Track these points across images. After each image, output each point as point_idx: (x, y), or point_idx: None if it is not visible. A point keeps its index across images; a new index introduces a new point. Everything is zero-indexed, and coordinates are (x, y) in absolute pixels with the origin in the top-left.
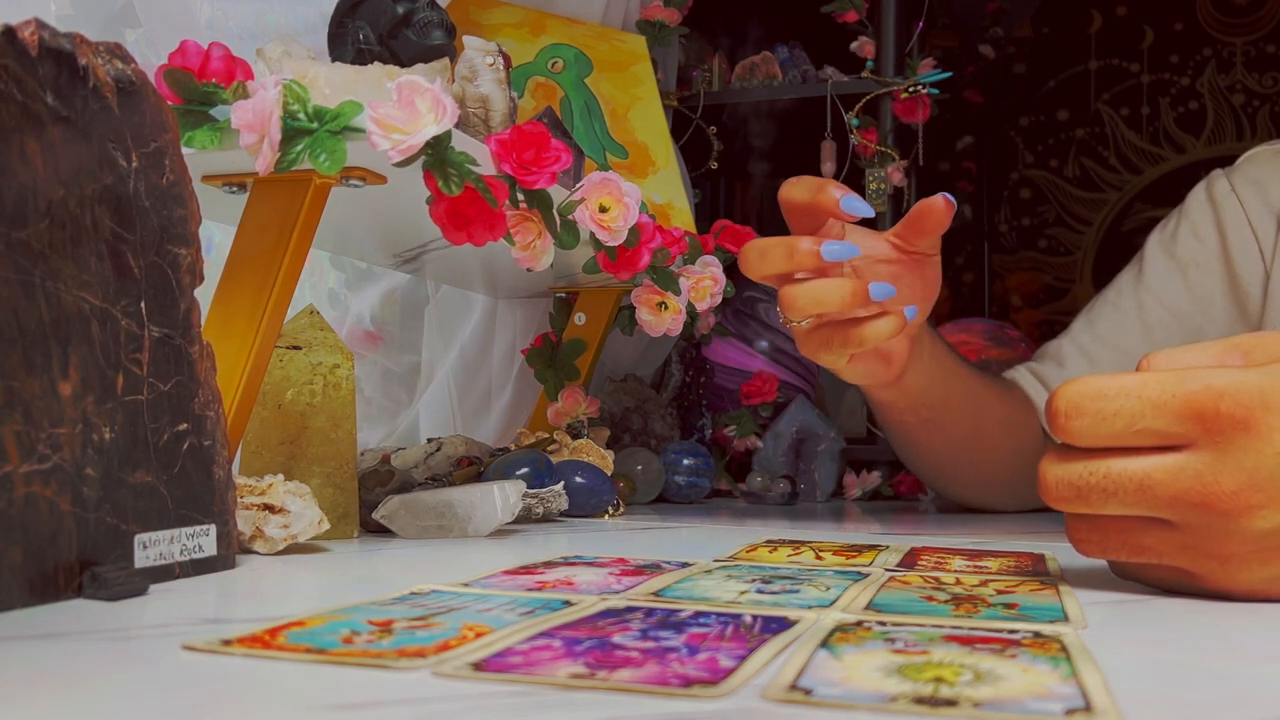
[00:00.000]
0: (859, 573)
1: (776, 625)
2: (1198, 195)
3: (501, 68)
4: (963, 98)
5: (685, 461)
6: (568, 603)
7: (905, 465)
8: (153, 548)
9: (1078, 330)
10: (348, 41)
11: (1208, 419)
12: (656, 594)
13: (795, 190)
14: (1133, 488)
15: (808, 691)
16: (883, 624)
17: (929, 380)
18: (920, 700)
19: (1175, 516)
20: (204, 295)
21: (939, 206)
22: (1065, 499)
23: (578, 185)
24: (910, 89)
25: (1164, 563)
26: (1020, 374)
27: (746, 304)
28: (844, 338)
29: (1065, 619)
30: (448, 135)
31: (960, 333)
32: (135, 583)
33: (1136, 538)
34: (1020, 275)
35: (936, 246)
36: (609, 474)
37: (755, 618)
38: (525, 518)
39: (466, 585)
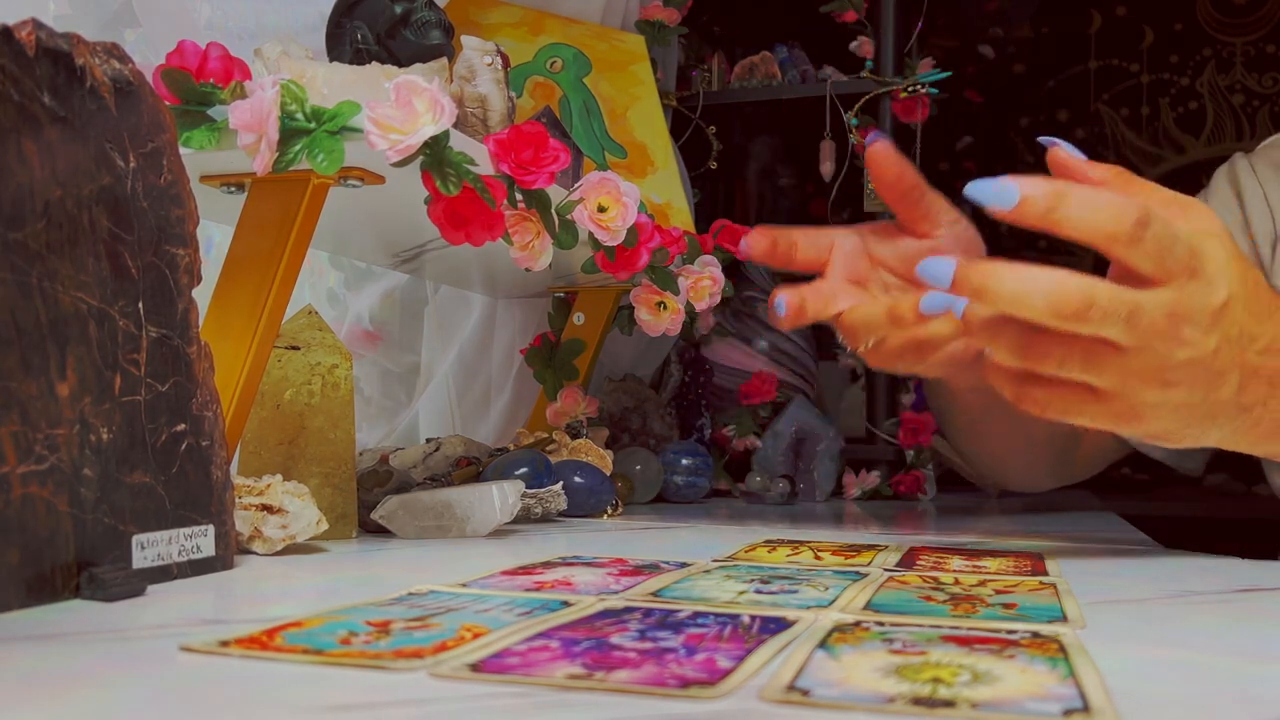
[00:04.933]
0: (857, 573)
1: (775, 625)
2: (1220, 175)
3: (500, 67)
4: (963, 98)
5: (684, 461)
6: (566, 603)
7: (970, 461)
8: (150, 548)
9: None
10: (345, 41)
11: (1183, 265)
12: (655, 594)
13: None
14: (1133, 313)
15: (805, 692)
16: (881, 624)
17: None
18: (918, 701)
19: (1132, 339)
20: (202, 295)
21: (876, 149)
22: (1089, 317)
23: (576, 185)
24: (909, 89)
25: (1096, 380)
26: None
27: (746, 304)
28: (908, 351)
29: (1063, 619)
30: (446, 135)
31: None
32: (133, 584)
33: (1095, 351)
34: None
35: (952, 214)
36: (608, 474)
37: (753, 618)
38: (524, 518)
39: (465, 586)
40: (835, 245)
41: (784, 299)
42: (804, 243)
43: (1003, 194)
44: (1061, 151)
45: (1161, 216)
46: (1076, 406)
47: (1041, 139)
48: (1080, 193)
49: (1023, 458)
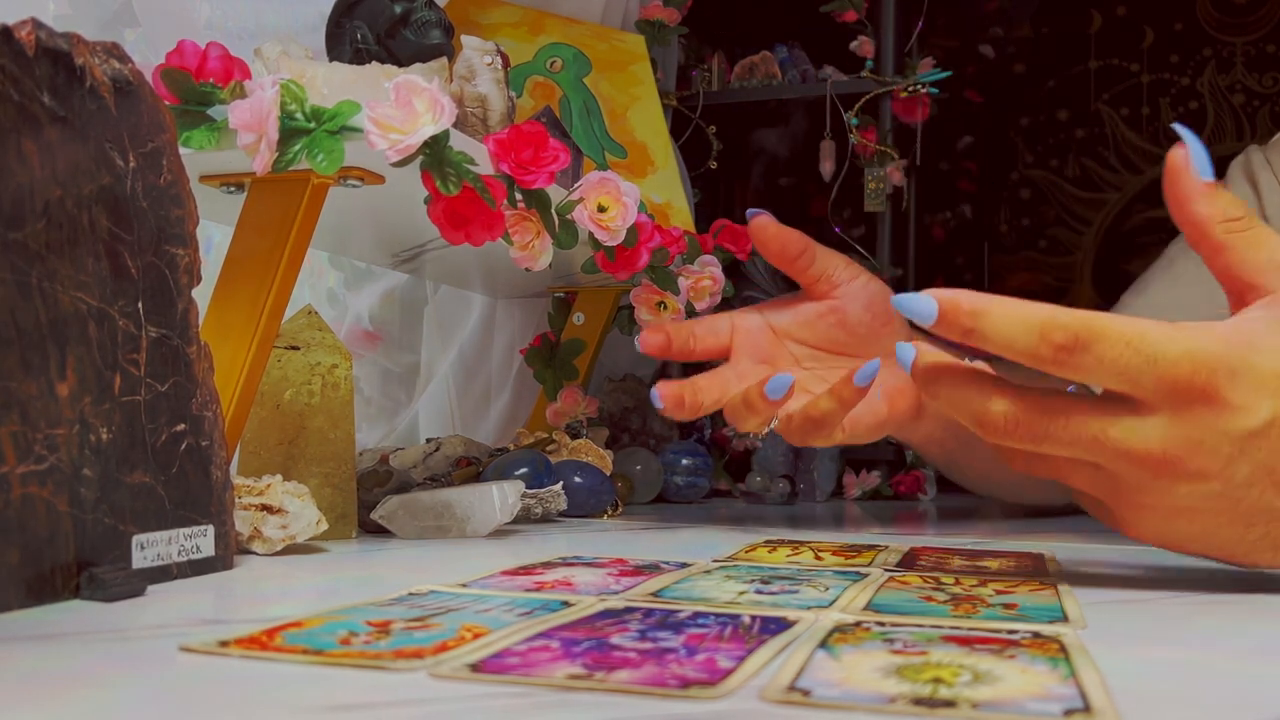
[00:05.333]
0: (858, 573)
1: (775, 626)
2: (1235, 168)
3: (500, 67)
4: (962, 97)
5: (684, 461)
6: (566, 603)
7: (970, 490)
8: (150, 548)
9: (1127, 302)
10: (345, 41)
11: (1178, 388)
12: (655, 594)
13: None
14: (1086, 440)
15: (806, 692)
16: (881, 624)
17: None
18: (919, 701)
19: (1113, 468)
20: (202, 295)
21: (755, 226)
22: (1017, 437)
23: (576, 185)
24: (910, 88)
25: (1083, 492)
26: None
27: (746, 304)
28: (810, 428)
29: (1064, 619)
30: (445, 135)
31: None
32: (133, 584)
33: (1067, 472)
34: (1020, 275)
35: (851, 271)
36: (608, 474)
37: (754, 618)
38: (524, 518)
39: (465, 586)
40: (735, 328)
41: (659, 392)
42: (701, 331)
43: (923, 308)
44: (1186, 153)
45: (1121, 336)
46: (1077, 497)
47: (1176, 126)
48: (1002, 307)
49: (1010, 490)
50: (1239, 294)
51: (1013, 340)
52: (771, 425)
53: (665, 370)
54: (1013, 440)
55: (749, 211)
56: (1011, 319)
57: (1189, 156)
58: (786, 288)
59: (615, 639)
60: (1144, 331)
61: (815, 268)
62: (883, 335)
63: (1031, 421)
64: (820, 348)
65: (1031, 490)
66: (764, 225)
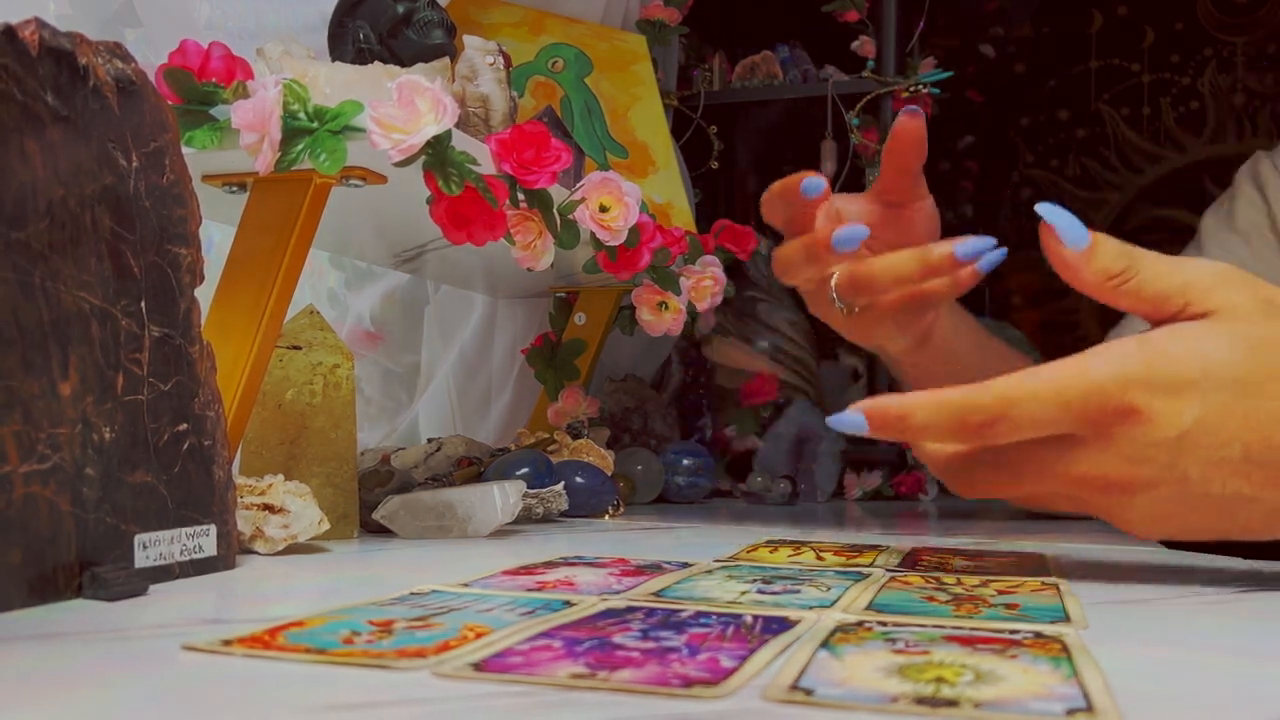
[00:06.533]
0: (860, 573)
1: (777, 626)
2: (1243, 174)
3: (502, 67)
4: (964, 97)
5: (685, 461)
6: (568, 603)
7: None
8: (152, 548)
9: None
10: (348, 41)
11: (1097, 418)
12: (657, 594)
13: (770, 208)
14: (1047, 477)
15: (809, 692)
16: (883, 624)
17: (958, 333)
18: (921, 701)
19: (1079, 495)
20: (204, 295)
21: (908, 125)
22: (984, 486)
23: (578, 185)
24: (911, 88)
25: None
26: None
27: (747, 304)
28: (909, 303)
29: (1066, 619)
30: (448, 135)
31: None
32: (135, 583)
33: (1055, 503)
34: (1021, 275)
35: (924, 188)
36: (609, 474)
37: (756, 618)
38: (525, 518)
39: (466, 585)
40: (819, 210)
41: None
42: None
43: (853, 424)
44: (1054, 230)
45: (1030, 394)
46: (1062, 507)
47: (1039, 207)
48: (923, 403)
49: None
50: (1158, 320)
51: (939, 430)
52: (833, 287)
53: (667, 371)
54: (993, 493)
55: (907, 108)
56: (933, 409)
57: (1057, 233)
58: (787, 288)
59: (617, 638)
60: (1052, 380)
61: (917, 181)
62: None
63: (1002, 475)
64: (875, 251)
65: None
66: (915, 131)
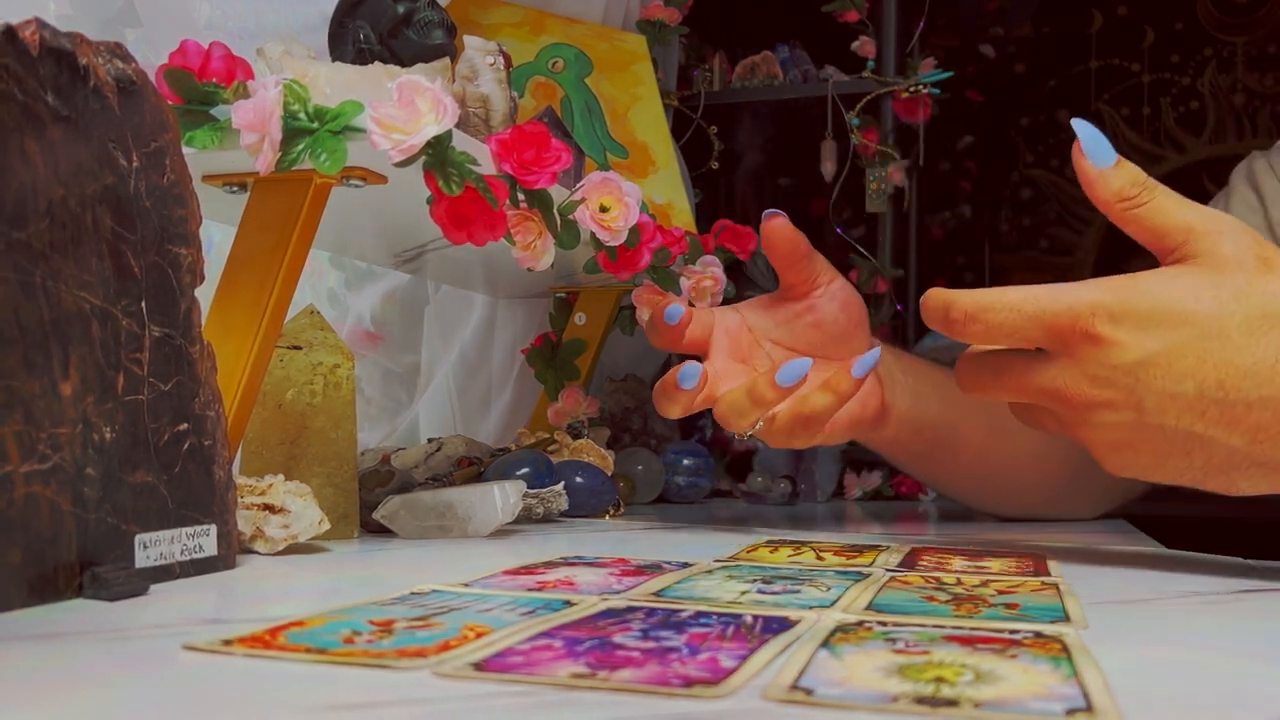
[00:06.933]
0: (860, 573)
1: (777, 625)
2: (1239, 173)
3: (502, 67)
4: (964, 97)
5: (685, 462)
6: (568, 603)
7: (953, 498)
8: (153, 548)
9: None
10: (348, 41)
11: (1064, 335)
12: (657, 594)
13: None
14: (1021, 387)
15: (809, 691)
16: (883, 624)
17: (918, 400)
18: (921, 700)
19: (1052, 408)
20: (204, 295)
21: (772, 227)
22: (973, 382)
23: (578, 185)
24: (911, 89)
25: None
26: None
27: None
28: (797, 427)
29: (1066, 619)
30: (448, 135)
31: None
32: (135, 583)
33: (1037, 418)
34: (1021, 275)
35: (830, 274)
36: (609, 474)
37: (756, 618)
38: (525, 518)
39: (467, 585)
40: (717, 324)
41: (673, 308)
42: (695, 319)
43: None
44: (1082, 148)
45: (1006, 303)
46: (1046, 425)
47: (1073, 122)
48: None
49: (971, 497)
50: (1159, 255)
51: (932, 320)
52: (749, 430)
53: (667, 371)
54: (980, 391)
55: (767, 211)
56: (927, 299)
57: (1082, 146)
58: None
59: (618, 638)
60: (1031, 295)
61: (810, 268)
62: (854, 337)
63: (986, 374)
64: (795, 349)
65: (991, 499)
66: (779, 227)
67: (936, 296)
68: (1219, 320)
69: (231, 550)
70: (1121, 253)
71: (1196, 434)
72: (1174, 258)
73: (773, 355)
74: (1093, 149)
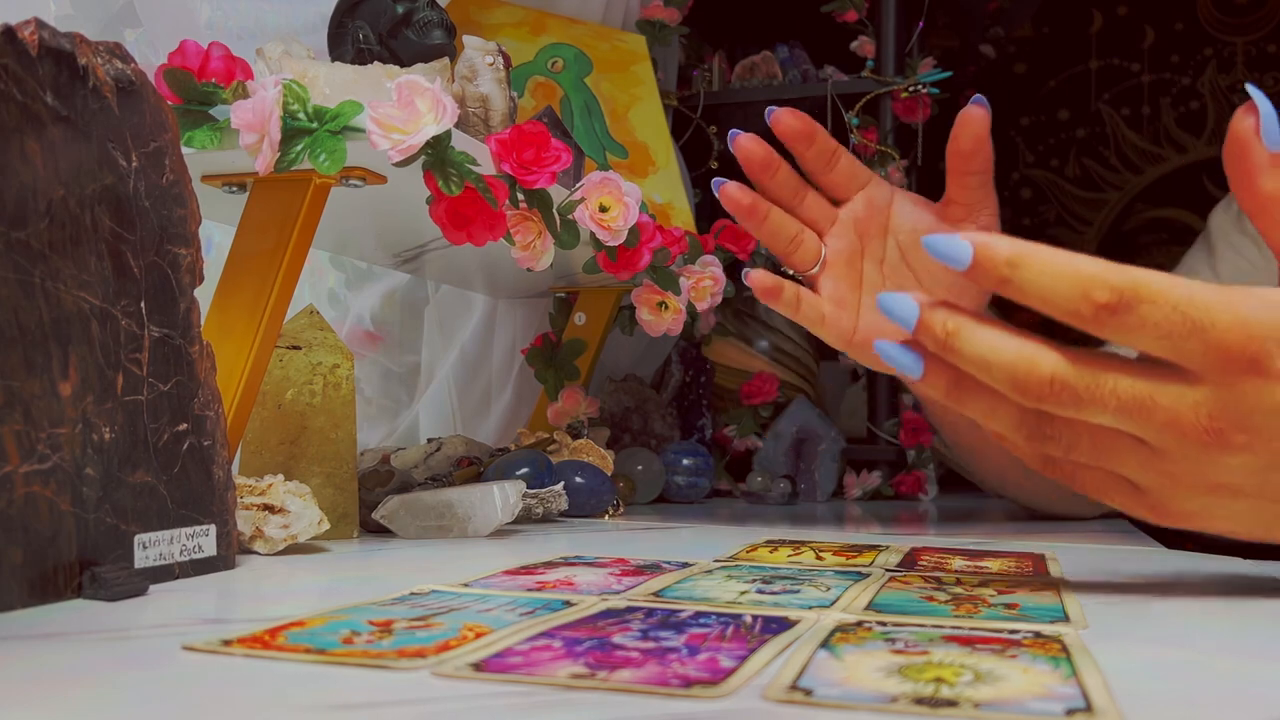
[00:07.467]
0: (859, 573)
1: (777, 625)
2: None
3: (501, 67)
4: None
5: (685, 461)
6: (568, 603)
7: (981, 484)
8: (152, 548)
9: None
10: (348, 41)
11: (1226, 355)
12: (657, 594)
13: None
14: (1134, 407)
15: (808, 692)
16: (883, 624)
17: None
18: (921, 700)
19: (1157, 439)
20: (204, 295)
21: (976, 118)
22: (1060, 400)
23: (578, 185)
24: (910, 89)
25: (1120, 471)
26: None
27: (747, 304)
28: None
29: (1066, 619)
30: (447, 135)
31: None
32: (135, 583)
33: (1108, 443)
34: None
35: (989, 211)
36: (609, 474)
37: (755, 618)
38: (525, 518)
39: (466, 585)
40: (866, 190)
41: (760, 276)
42: (844, 163)
43: (957, 252)
44: (1260, 120)
45: (1169, 298)
46: (1107, 492)
47: (1249, 87)
48: (1042, 258)
49: (1026, 491)
50: None
51: (1052, 295)
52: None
53: (667, 371)
54: (1054, 404)
55: (974, 98)
56: (1053, 271)
57: (1258, 125)
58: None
59: (617, 638)
60: (1194, 294)
61: (982, 187)
62: (969, 297)
63: (1080, 378)
64: (913, 269)
65: (1045, 495)
66: (979, 119)
67: (1058, 265)
68: None
69: (231, 550)
70: (1121, 254)
71: None
72: None
73: (889, 254)
74: (1271, 128)
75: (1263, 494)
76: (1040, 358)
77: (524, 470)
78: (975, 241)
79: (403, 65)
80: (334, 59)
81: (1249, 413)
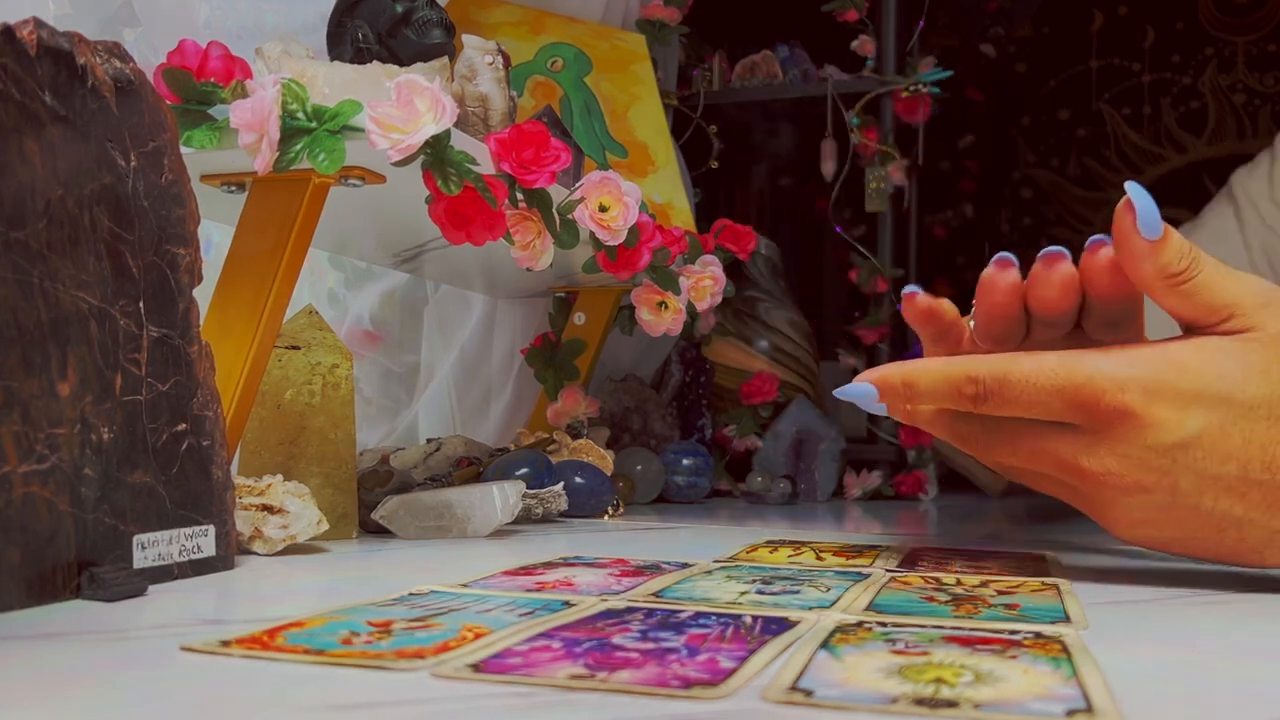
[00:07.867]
0: (859, 573)
1: (777, 626)
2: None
3: (501, 67)
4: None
5: (685, 461)
6: (567, 603)
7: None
8: (151, 548)
9: None
10: (347, 40)
11: (1090, 410)
12: (656, 595)
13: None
14: (1044, 456)
15: (808, 692)
16: (883, 625)
17: None
18: (921, 701)
19: (1072, 483)
20: (203, 295)
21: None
22: (983, 445)
23: (577, 184)
24: (911, 88)
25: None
26: None
27: (747, 304)
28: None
29: (1066, 620)
30: (447, 134)
31: None
32: (134, 583)
33: (1049, 487)
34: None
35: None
36: (609, 474)
37: (755, 619)
38: (525, 518)
39: (466, 586)
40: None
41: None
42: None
43: (863, 391)
44: (1135, 213)
45: (1023, 375)
46: (1055, 494)
47: (1128, 185)
48: (926, 369)
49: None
50: (1194, 326)
51: (941, 397)
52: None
53: (667, 371)
54: (990, 454)
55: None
56: (933, 378)
57: (1135, 219)
58: (786, 287)
59: (617, 639)
60: (1049, 366)
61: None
62: None
63: (1000, 439)
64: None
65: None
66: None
67: (936, 373)
68: (1264, 399)
69: (230, 551)
70: None
71: (1235, 516)
72: (1214, 331)
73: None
74: (1147, 219)
75: (1181, 527)
76: (965, 420)
77: (524, 470)
78: (873, 379)
79: (402, 64)
80: (333, 58)
81: (1129, 455)
